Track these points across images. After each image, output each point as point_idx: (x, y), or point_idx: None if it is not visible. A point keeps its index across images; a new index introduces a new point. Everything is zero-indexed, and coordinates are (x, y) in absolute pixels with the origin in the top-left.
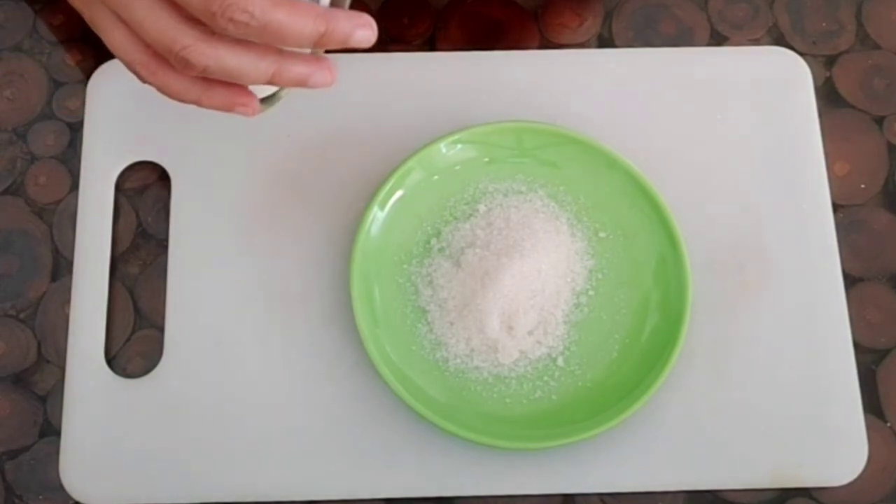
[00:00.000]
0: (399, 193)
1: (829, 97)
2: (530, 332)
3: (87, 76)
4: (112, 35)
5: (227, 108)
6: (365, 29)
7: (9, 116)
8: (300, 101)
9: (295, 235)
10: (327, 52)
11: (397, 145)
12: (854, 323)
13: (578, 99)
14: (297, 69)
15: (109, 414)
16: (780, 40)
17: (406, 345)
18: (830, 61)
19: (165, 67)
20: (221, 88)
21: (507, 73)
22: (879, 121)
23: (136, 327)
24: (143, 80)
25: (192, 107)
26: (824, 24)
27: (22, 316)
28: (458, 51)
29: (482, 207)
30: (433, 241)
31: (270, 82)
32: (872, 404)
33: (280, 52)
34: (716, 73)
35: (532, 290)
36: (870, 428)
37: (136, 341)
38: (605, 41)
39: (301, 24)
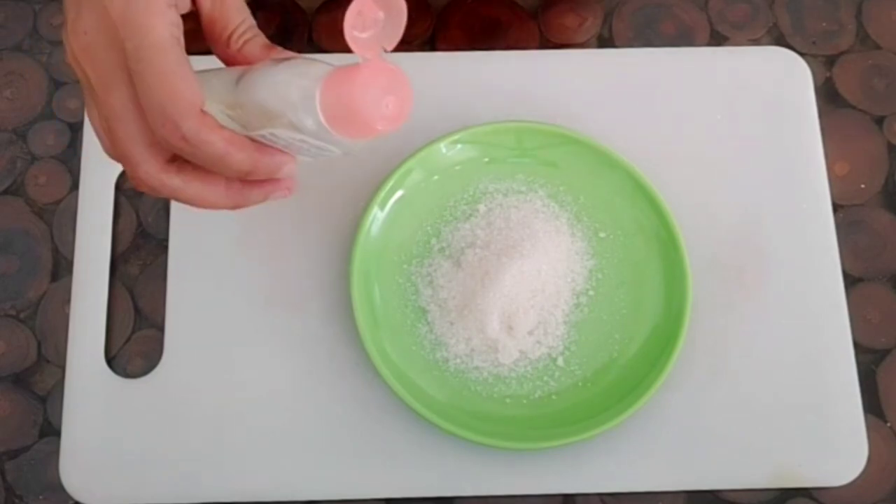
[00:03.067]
0: (399, 193)
1: (829, 97)
2: (530, 332)
3: None
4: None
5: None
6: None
7: (9, 116)
8: None
9: (295, 235)
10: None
11: (397, 145)
12: (854, 323)
13: (578, 99)
14: (256, 196)
15: (109, 414)
16: (780, 40)
17: (406, 345)
18: (830, 61)
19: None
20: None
21: (507, 73)
22: (879, 121)
23: (136, 327)
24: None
25: None
26: (824, 24)
27: (22, 316)
28: (458, 51)
29: (482, 207)
30: (433, 241)
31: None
32: (872, 404)
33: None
34: (716, 73)
35: (532, 290)
36: (870, 428)
37: (136, 341)
38: (605, 41)
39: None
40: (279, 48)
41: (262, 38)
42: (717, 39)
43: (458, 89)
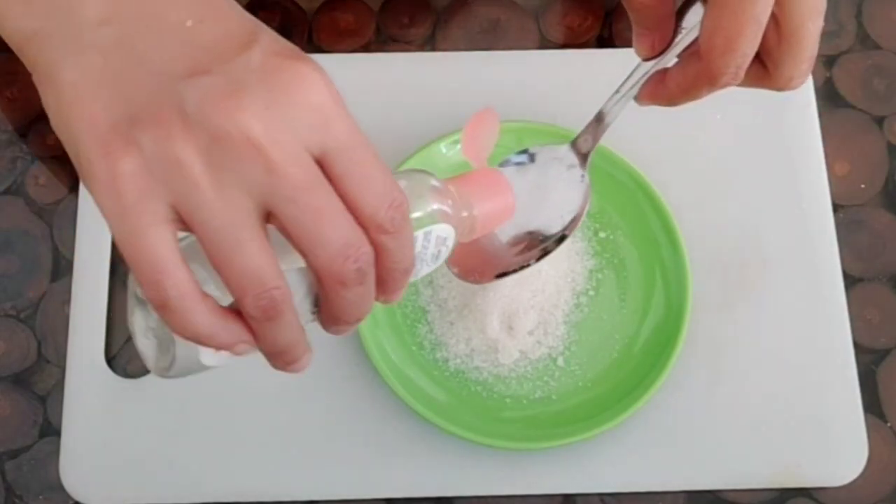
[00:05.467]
0: None
1: (829, 97)
2: (530, 332)
3: None
4: (149, 236)
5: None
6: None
7: (9, 116)
8: None
9: None
10: None
11: (397, 145)
12: (854, 323)
13: (578, 99)
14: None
15: (109, 414)
16: None
17: (406, 345)
18: (830, 61)
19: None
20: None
21: (507, 73)
22: (879, 121)
23: None
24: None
25: None
26: (824, 24)
27: (22, 316)
28: (458, 51)
29: None
30: None
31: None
32: (872, 404)
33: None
34: None
35: (532, 290)
36: (870, 428)
37: None
38: (605, 41)
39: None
40: None
41: None
42: None
43: (458, 89)
